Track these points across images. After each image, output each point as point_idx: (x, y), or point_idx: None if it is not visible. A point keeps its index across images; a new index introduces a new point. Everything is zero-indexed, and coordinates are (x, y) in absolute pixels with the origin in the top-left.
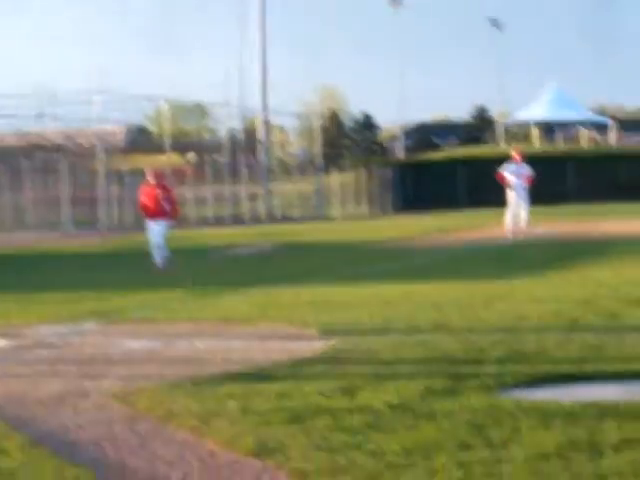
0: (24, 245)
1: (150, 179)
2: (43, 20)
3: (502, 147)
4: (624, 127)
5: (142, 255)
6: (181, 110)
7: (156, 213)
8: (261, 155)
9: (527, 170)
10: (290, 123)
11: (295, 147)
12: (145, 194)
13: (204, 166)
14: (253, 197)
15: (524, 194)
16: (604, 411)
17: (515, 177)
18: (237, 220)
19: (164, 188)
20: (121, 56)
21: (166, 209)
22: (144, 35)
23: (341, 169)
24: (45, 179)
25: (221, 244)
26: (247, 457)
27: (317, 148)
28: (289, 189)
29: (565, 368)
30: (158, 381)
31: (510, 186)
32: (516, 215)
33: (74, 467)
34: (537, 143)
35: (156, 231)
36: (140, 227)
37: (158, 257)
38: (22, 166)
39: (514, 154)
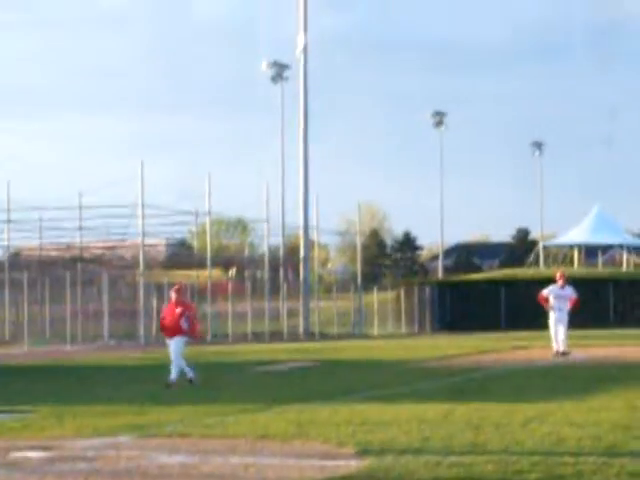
0: (64, 357)
1: (172, 296)
2: (86, 131)
3: (543, 269)
4: None
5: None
6: (223, 225)
7: (172, 330)
8: (301, 271)
9: (570, 292)
10: (331, 240)
11: (335, 264)
12: (165, 311)
13: (244, 281)
14: (292, 313)
15: (564, 316)
16: None
17: (556, 299)
18: (276, 336)
19: (184, 305)
20: (161, 169)
21: (183, 327)
22: (184, 148)
23: (381, 287)
24: (86, 291)
25: (259, 360)
26: None
27: (358, 266)
28: (328, 306)
29: None
30: None
31: (550, 308)
32: (554, 338)
33: None
34: (578, 266)
35: (172, 348)
36: None
37: (174, 373)
38: (64, 278)
39: (557, 276)
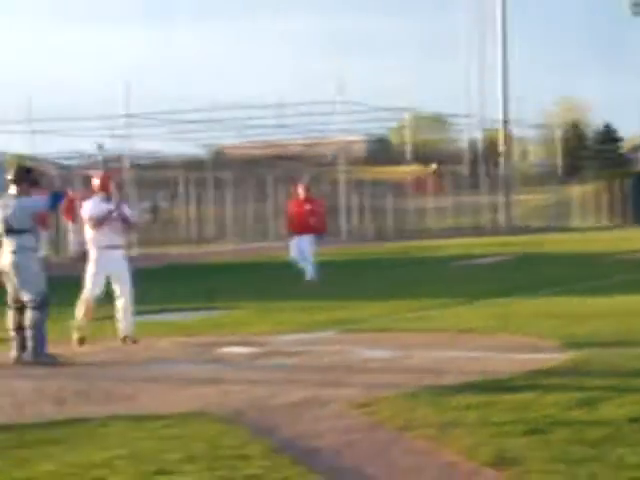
0: (264, 254)
1: (300, 193)
2: (286, 32)
3: None
4: None
5: (380, 265)
6: (421, 121)
7: (301, 228)
8: (501, 166)
9: None
10: (530, 134)
11: (535, 158)
12: (293, 208)
13: (445, 177)
14: (493, 207)
15: None
16: None
17: None
18: (477, 230)
19: (312, 202)
20: (359, 67)
21: (312, 224)
22: (382, 46)
23: (581, 180)
24: (287, 189)
25: (461, 254)
26: (486, 467)
27: (558, 159)
28: (529, 200)
29: None
30: (396, 390)
31: None
32: None
33: (314, 474)
34: None
35: (303, 245)
36: (381, 238)
37: (310, 270)
38: (265, 176)
39: None
